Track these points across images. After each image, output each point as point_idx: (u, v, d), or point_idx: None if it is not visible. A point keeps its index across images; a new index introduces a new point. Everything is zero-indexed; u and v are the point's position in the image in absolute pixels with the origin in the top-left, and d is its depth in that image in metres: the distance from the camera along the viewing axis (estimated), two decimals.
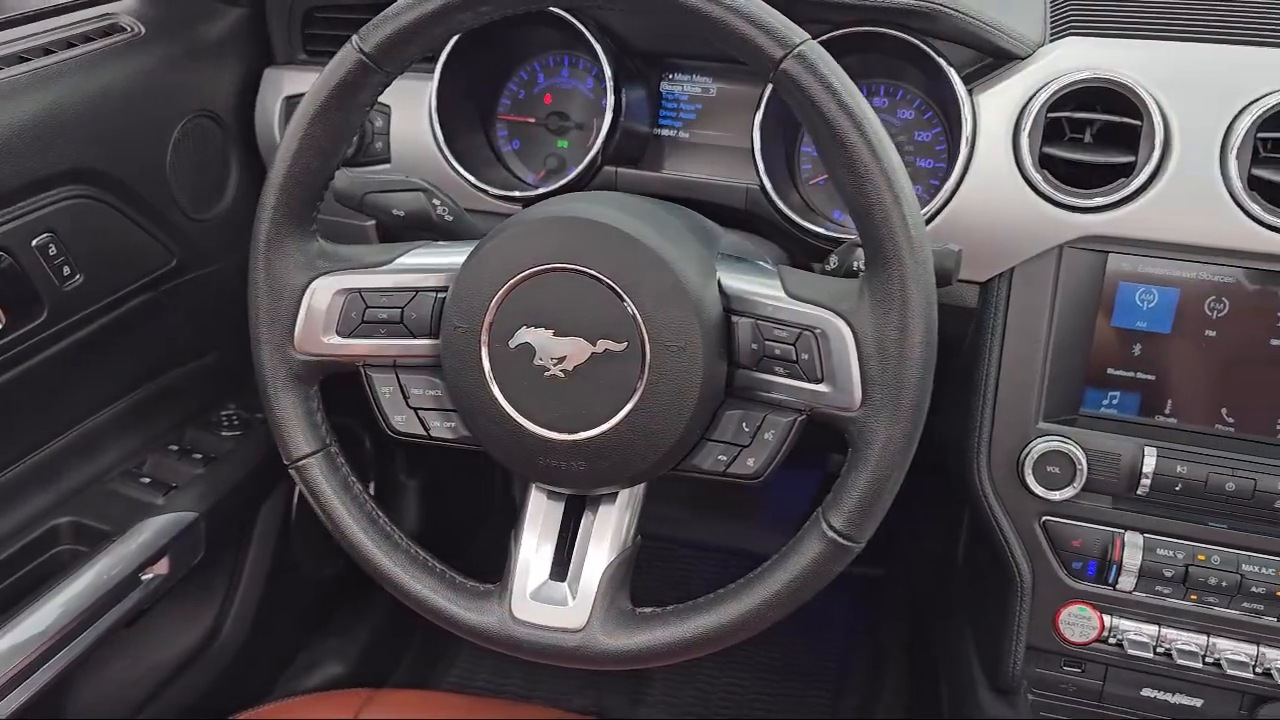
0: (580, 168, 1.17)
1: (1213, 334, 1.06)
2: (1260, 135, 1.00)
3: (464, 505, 2.16)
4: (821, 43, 1.10)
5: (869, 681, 1.85)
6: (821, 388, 0.81)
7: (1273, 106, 0.99)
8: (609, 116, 1.16)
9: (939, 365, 1.20)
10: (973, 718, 1.18)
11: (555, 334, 0.83)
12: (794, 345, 0.82)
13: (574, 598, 0.88)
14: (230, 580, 1.55)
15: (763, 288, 0.84)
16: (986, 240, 1.07)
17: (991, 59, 1.09)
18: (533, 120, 1.31)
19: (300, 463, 0.91)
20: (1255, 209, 0.99)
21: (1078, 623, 1.12)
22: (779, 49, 0.76)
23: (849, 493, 0.80)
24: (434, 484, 1.99)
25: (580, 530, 0.91)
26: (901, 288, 0.77)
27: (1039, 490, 1.08)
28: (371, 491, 1.85)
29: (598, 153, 1.17)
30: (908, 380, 0.78)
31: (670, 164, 1.27)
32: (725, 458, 0.86)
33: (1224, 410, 1.08)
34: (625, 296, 0.81)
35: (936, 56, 1.08)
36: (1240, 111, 1.00)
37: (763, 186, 1.13)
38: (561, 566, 0.90)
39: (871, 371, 0.79)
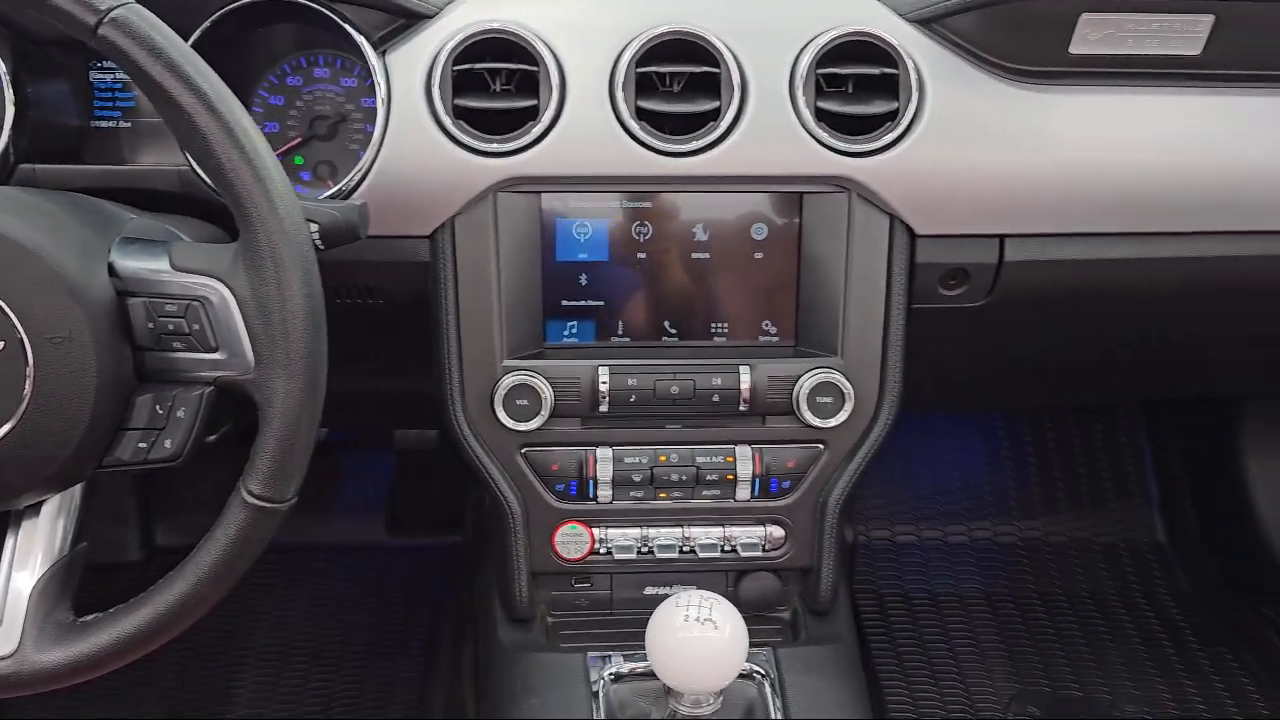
0: None
1: (644, 256, 1.16)
2: (642, 70, 1.10)
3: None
4: (233, 10, 1.09)
5: (455, 645, 1.88)
6: (218, 355, 0.81)
7: (647, 43, 1.09)
8: (10, 111, 1.09)
9: (417, 325, 1.23)
10: (494, 653, 1.23)
11: None
12: (184, 318, 0.81)
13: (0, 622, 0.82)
14: None
15: (151, 264, 0.83)
16: (420, 193, 1.10)
17: (404, 20, 1.12)
18: None
19: None
20: (643, 135, 1.09)
21: (571, 540, 1.20)
22: (91, 15, 0.74)
23: (261, 455, 0.80)
24: None
25: (5, 548, 0.85)
26: (269, 244, 0.78)
27: (511, 424, 1.14)
28: None
29: (6, 149, 1.08)
30: (294, 333, 0.79)
31: (113, 154, 1.21)
32: (145, 444, 0.84)
33: (666, 323, 1.18)
34: None
35: (340, 21, 1.09)
36: (623, 48, 1.10)
37: (191, 167, 1.10)
38: None
39: (258, 331, 0.80)
